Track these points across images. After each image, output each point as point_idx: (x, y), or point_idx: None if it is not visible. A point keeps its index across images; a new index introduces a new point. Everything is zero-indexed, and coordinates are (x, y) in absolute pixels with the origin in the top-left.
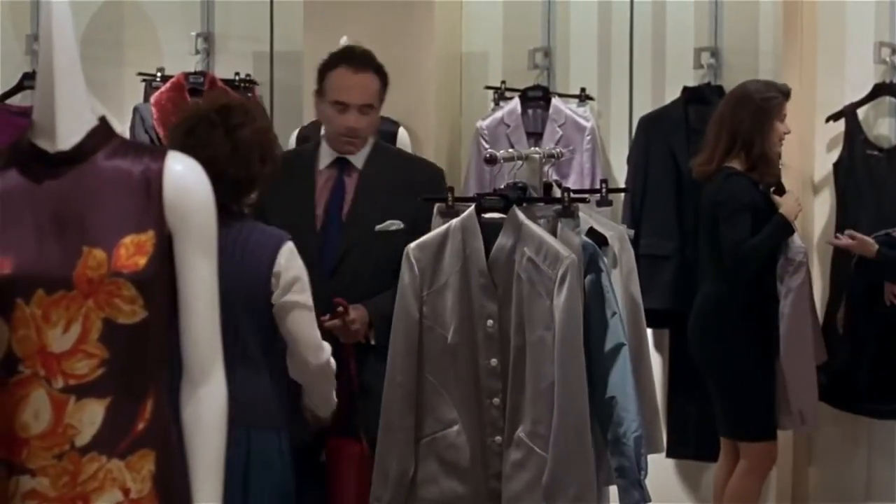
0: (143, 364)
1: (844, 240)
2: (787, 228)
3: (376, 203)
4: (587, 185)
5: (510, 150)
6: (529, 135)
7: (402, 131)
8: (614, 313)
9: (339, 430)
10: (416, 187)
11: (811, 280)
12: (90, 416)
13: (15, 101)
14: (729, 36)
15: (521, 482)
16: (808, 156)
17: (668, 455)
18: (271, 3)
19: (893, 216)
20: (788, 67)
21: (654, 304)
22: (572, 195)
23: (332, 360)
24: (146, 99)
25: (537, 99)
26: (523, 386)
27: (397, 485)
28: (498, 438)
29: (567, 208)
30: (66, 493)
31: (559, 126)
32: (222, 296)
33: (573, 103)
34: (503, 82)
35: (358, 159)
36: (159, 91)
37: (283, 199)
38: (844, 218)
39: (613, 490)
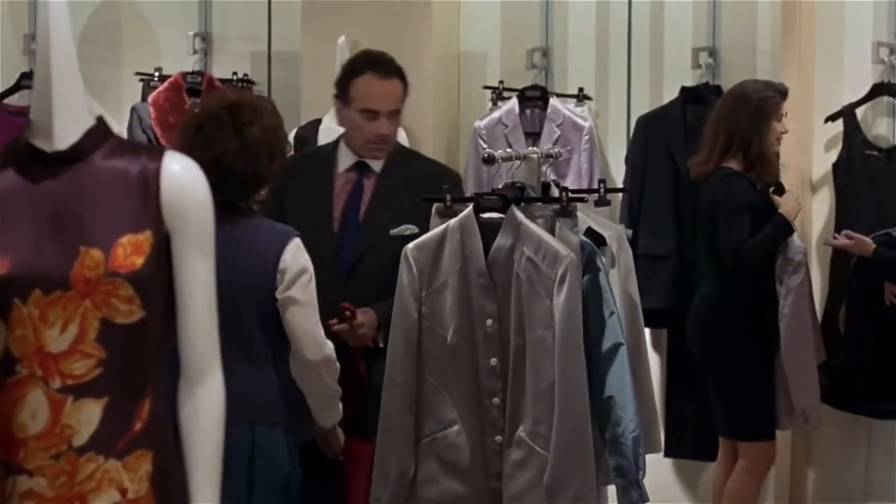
0: (140, 364)
1: (842, 240)
2: (786, 228)
3: (393, 207)
4: (585, 185)
5: (508, 149)
6: (527, 135)
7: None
8: (612, 313)
9: (349, 431)
10: (433, 192)
11: (810, 280)
12: (87, 417)
13: (12, 100)
14: (727, 36)
15: (522, 481)
16: (806, 156)
17: (666, 455)
18: (269, 3)
19: (893, 216)
20: (786, 67)
21: (652, 303)
22: (570, 195)
23: (337, 364)
24: (144, 99)
25: (535, 99)
26: (523, 385)
27: (397, 485)
28: (498, 438)
29: (565, 208)
30: (63, 493)
31: (557, 126)
32: (227, 291)
33: (571, 103)
34: (501, 82)
35: (377, 162)
36: (157, 91)
37: (302, 200)
38: (844, 218)
39: (612, 490)
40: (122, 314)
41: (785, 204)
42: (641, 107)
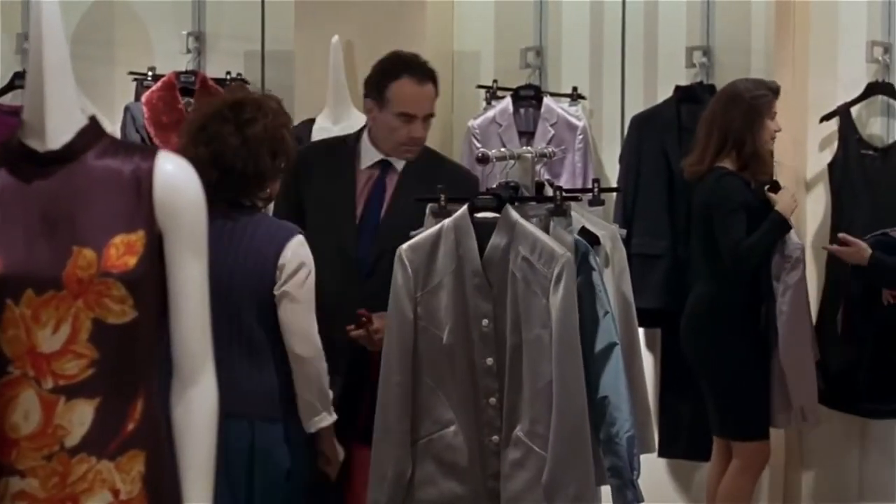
0: (132, 364)
1: (836, 247)
2: (783, 225)
3: (414, 208)
4: (579, 185)
5: (502, 149)
6: (521, 134)
7: None
8: (606, 312)
9: (362, 436)
10: (453, 195)
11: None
12: (80, 417)
13: (6, 100)
14: (721, 35)
15: (520, 481)
16: (801, 155)
17: (660, 455)
18: (262, 2)
19: (888, 215)
20: (781, 66)
21: (645, 303)
22: (564, 194)
23: (324, 366)
24: (137, 98)
25: (529, 98)
26: (520, 385)
27: (395, 487)
28: (495, 438)
29: (559, 207)
30: (55, 494)
31: (551, 125)
32: (227, 288)
33: (565, 102)
34: (495, 81)
35: (399, 162)
36: (150, 90)
37: (324, 193)
38: (839, 217)
39: (606, 490)
40: (114, 314)
41: (781, 201)
42: (635, 106)
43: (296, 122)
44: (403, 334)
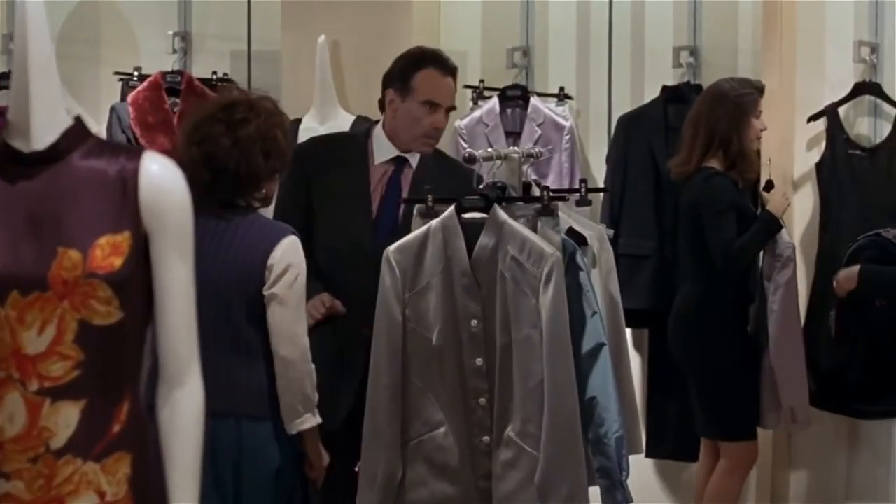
0: (118, 366)
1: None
2: (774, 225)
3: None
4: (566, 185)
5: (489, 149)
6: (508, 134)
7: None
8: (594, 313)
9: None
10: (463, 192)
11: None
12: (65, 419)
13: None
14: (708, 35)
15: (512, 482)
16: (788, 155)
17: (648, 455)
18: (249, 2)
19: (876, 215)
20: (768, 66)
21: (633, 303)
22: (551, 194)
23: (309, 368)
24: (123, 98)
25: (516, 98)
26: (511, 385)
27: (385, 489)
28: (486, 438)
29: (546, 207)
30: (40, 496)
31: (538, 125)
32: (216, 287)
33: (552, 102)
34: (482, 81)
35: (413, 158)
36: (136, 90)
37: (337, 188)
38: (827, 218)
39: (595, 491)
40: (100, 315)
41: (773, 200)
42: (622, 106)
43: None
44: (392, 336)
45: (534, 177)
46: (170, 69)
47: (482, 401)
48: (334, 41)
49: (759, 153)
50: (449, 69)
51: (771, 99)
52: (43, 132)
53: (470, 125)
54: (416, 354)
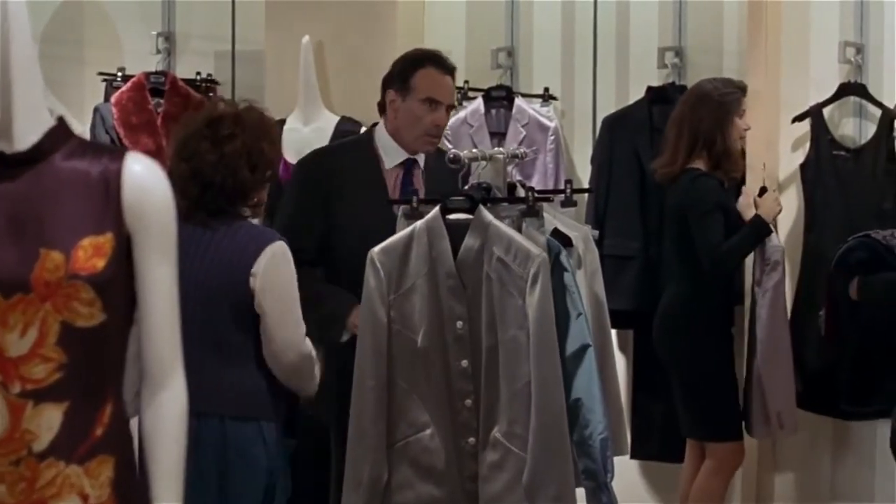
0: (101, 368)
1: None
2: (764, 229)
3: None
4: (551, 186)
5: (474, 150)
6: (493, 135)
7: (363, 131)
8: (579, 314)
9: None
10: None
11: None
12: (48, 422)
13: None
14: (693, 35)
15: (499, 483)
16: (773, 156)
17: (633, 456)
18: (233, 2)
19: (860, 216)
20: (753, 67)
21: (618, 304)
22: (536, 195)
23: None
24: (107, 99)
25: (500, 99)
26: (497, 386)
27: (371, 491)
28: (472, 440)
29: (531, 208)
30: (23, 499)
31: (522, 126)
32: (200, 291)
33: (536, 103)
34: (466, 82)
35: (421, 158)
36: (120, 91)
37: (358, 200)
38: (812, 219)
39: (580, 492)
40: (82, 317)
41: (763, 205)
42: (607, 107)
43: None
44: (377, 338)
45: (518, 178)
46: (153, 70)
47: (468, 402)
48: (318, 41)
49: (743, 153)
50: (448, 68)
51: (756, 99)
52: (25, 133)
53: (454, 126)
54: (401, 356)
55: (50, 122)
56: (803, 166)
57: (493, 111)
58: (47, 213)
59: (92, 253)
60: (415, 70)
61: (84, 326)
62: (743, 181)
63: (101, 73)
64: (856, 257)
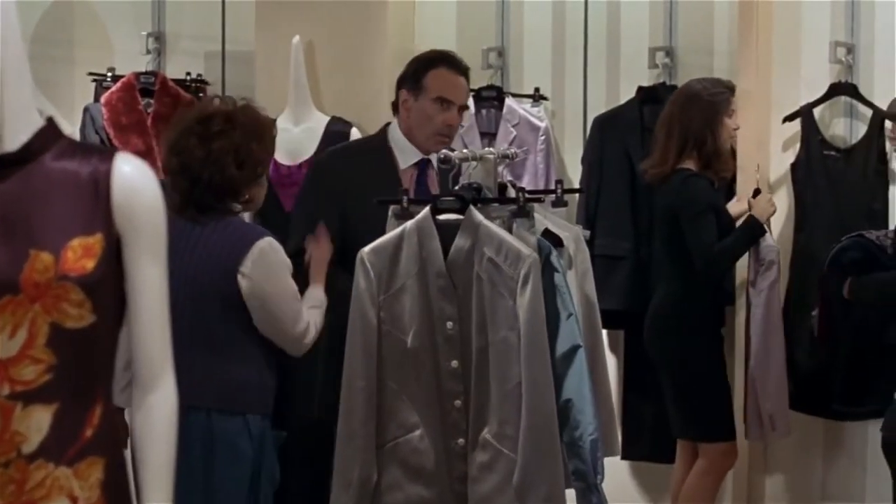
0: (90, 369)
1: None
2: (758, 230)
3: None
4: (541, 186)
5: (464, 150)
6: (483, 135)
7: (354, 132)
8: (570, 315)
9: None
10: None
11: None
12: (37, 423)
13: None
14: (684, 35)
15: (489, 484)
16: (764, 156)
17: (624, 457)
18: (223, 2)
19: (850, 216)
20: (744, 67)
21: (609, 304)
22: (527, 195)
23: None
24: (97, 99)
25: (491, 99)
26: (487, 387)
27: (360, 492)
28: (461, 441)
29: (522, 208)
30: (12, 501)
31: (513, 126)
32: (190, 286)
33: (527, 103)
34: None
35: (434, 158)
36: (110, 91)
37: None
38: (802, 219)
39: (570, 493)
40: (72, 318)
41: (757, 206)
42: (598, 107)
43: None
44: (367, 339)
45: (509, 178)
46: (143, 70)
47: (457, 403)
48: (309, 41)
49: (733, 152)
50: (461, 69)
51: (747, 100)
52: (15, 133)
53: None
54: (390, 357)
55: (40, 123)
56: (794, 166)
57: (484, 111)
58: (37, 214)
59: (81, 254)
60: (427, 70)
61: (74, 328)
62: (733, 181)
63: (90, 74)
64: (849, 257)
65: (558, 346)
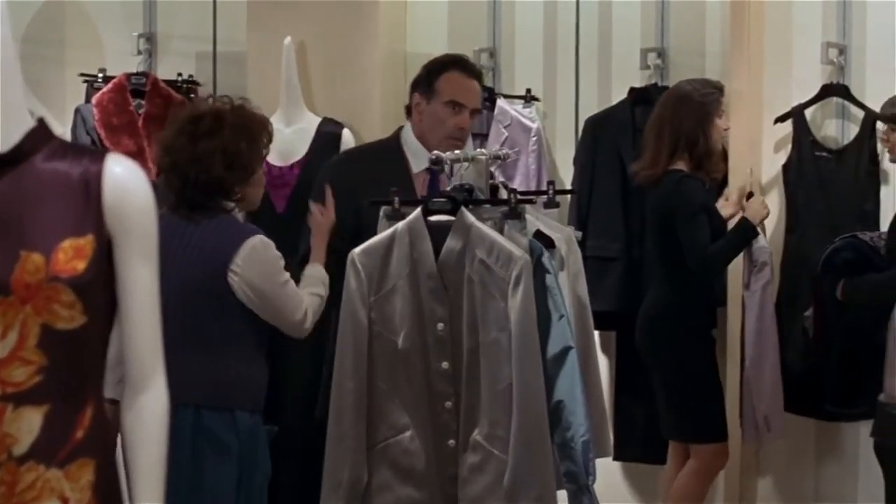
0: (81, 370)
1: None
2: (751, 232)
3: None
4: (533, 187)
5: (456, 151)
6: (475, 136)
7: (346, 133)
8: (562, 316)
9: None
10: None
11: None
12: (28, 425)
13: None
14: (675, 36)
15: (479, 485)
16: (755, 157)
17: (615, 458)
18: (214, 3)
19: (842, 217)
20: (736, 68)
21: (600, 306)
22: (519, 196)
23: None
24: (88, 100)
25: (483, 100)
26: (478, 388)
27: (351, 493)
28: (452, 442)
29: (513, 209)
30: (3, 503)
31: (504, 127)
32: (183, 284)
33: (519, 104)
34: None
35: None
36: (101, 92)
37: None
38: (794, 219)
39: (562, 495)
40: (63, 320)
41: (750, 208)
42: (589, 108)
43: None
44: (357, 340)
45: (501, 179)
46: (135, 71)
47: (448, 404)
48: (300, 42)
49: (724, 153)
50: (473, 72)
51: (738, 100)
52: (5, 134)
53: None
54: (381, 358)
55: (30, 124)
56: (785, 167)
57: None
58: (28, 215)
59: (72, 255)
60: (440, 73)
61: (65, 329)
62: (725, 181)
63: (82, 74)
64: (842, 258)
65: (550, 347)
